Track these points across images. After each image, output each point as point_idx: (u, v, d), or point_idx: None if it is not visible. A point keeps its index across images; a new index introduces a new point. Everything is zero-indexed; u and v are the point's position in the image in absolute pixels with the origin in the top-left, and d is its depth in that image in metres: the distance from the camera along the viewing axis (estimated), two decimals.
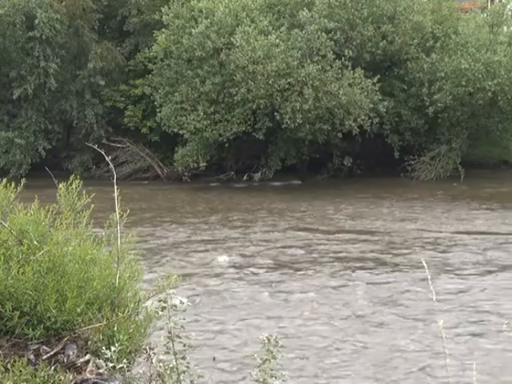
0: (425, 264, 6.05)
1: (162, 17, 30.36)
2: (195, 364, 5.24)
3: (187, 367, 5.06)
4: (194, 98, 29.65)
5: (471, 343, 10.47)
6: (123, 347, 5.45)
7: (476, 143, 31.35)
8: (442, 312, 11.61)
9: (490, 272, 14.71)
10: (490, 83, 28.15)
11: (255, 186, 29.26)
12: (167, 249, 17.25)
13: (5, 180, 6.38)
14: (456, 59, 28.80)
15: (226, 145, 29.67)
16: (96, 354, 5.59)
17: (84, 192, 6.34)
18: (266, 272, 14.97)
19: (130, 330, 5.72)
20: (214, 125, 29.24)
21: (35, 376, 5.23)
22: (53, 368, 5.44)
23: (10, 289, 5.54)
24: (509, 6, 32.67)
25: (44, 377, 5.24)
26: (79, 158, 32.23)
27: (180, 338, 5.05)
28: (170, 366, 5.04)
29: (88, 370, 5.54)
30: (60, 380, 5.29)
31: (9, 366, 5.24)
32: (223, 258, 16.13)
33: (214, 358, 9.72)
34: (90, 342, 5.64)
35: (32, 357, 5.55)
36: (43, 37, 30.72)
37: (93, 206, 6.38)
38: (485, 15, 32.55)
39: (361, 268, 15.20)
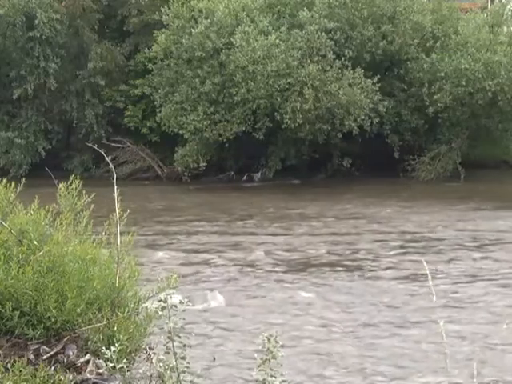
0: (425, 264, 6.05)
1: (161, 17, 30.36)
2: (195, 364, 5.24)
3: (187, 367, 5.06)
4: (194, 98, 29.65)
5: (472, 343, 10.46)
6: (123, 347, 5.45)
7: (476, 143, 31.33)
8: (442, 312, 11.61)
9: (489, 272, 14.70)
10: (490, 83, 28.15)
11: (255, 186, 29.25)
12: (167, 249, 17.24)
13: (5, 180, 6.38)
14: (456, 59, 28.80)
15: (226, 145, 29.67)
16: (96, 354, 5.59)
17: (84, 192, 6.34)
18: (265, 272, 14.95)
19: (130, 330, 5.72)
20: (213, 125, 29.23)
21: (35, 376, 5.23)
22: (53, 368, 5.44)
23: (10, 289, 5.54)
24: (509, 6, 32.66)
25: (44, 377, 5.24)
26: (79, 157, 32.22)
27: (180, 337, 5.05)
28: (170, 366, 5.04)
29: (88, 369, 5.54)
30: (60, 380, 5.29)
31: (9, 366, 5.24)
32: (223, 258, 16.13)
33: (214, 358, 9.71)
34: (89, 342, 5.64)
35: (32, 357, 5.55)
36: (43, 37, 30.72)
37: (93, 206, 6.39)
38: (485, 15, 32.54)
39: (360, 268, 15.20)
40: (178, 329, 5.04)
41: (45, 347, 5.63)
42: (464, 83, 28.44)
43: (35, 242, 5.80)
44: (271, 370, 4.83)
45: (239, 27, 28.52)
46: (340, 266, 15.44)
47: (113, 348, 5.27)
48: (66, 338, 5.67)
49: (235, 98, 28.48)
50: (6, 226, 5.85)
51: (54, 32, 30.98)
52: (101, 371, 5.53)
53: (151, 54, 31.09)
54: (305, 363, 9.78)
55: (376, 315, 11.90)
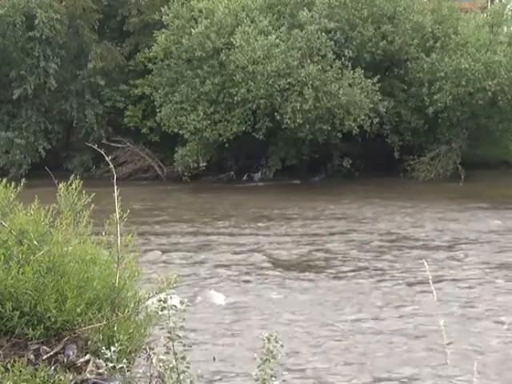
0: (426, 264, 6.05)
1: (161, 17, 30.36)
2: (195, 364, 5.24)
3: (187, 367, 5.06)
4: (194, 98, 29.65)
5: (472, 343, 10.46)
6: (123, 347, 5.45)
7: (476, 143, 31.34)
8: (442, 312, 11.61)
9: (489, 272, 14.70)
10: (490, 83, 28.15)
11: (255, 186, 29.25)
12: (166, 249, 17.24)
13: (5, 180, 6.38)
14: (456, 59, 28.80)
15: (226, 145, 29.67)
16: (96, 354, 5.59)
17: (84, 192, 6.34)
18: (264, 272, 14.95)
19: (130, 330, 5.72)
20: (214, 125, 29.23)
21: (35, 376, 5.23)
22: (53, 368, 5.45)
23: (10, 289, 5.54)
24: (509, 6, 32.67)
25: (44, 377, 5.24)
26: (79, 158, 32.22)
27: (180, 337, 5.05)
28: (170, 366, 5.04)
29: (88, 370, 5.54)
30: (60, 380, 5.29)
31: (9, 366, 5.24)
32: (218, 258, 16.15)
33: (214, 358, 9.71)
34: (89, 342, 5.64)
35: (32, 357, 5.55)
36: (43, 37, 30.72)
37: (93, 206, 6.39)
38: (485, 15, 32.55)
39: (359, 269, 15.20)
40: (178, 329, 5.04)
41: (45, 347, 5.64)
42: (464, 83, 28.44)
43: (35, 242, 5.80)
44: (271, 369, 4.83)
45: (239, 27, 28.52)
46: (339, 266, 15.44)
47: (113, 348, 5.27)
48: (66, 338, 5.67)
49: (235, 98, 28.48)
50: (6, 226, 5.85)
51: (54, 32, 30.98)
52: (101, 371, 5.53)
53: (151, 54, 31.10)
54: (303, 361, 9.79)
55: (376, 315, 11.90)
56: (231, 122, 29.09)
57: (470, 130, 30.22)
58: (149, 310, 5.81)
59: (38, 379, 5.21)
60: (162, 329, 5.16)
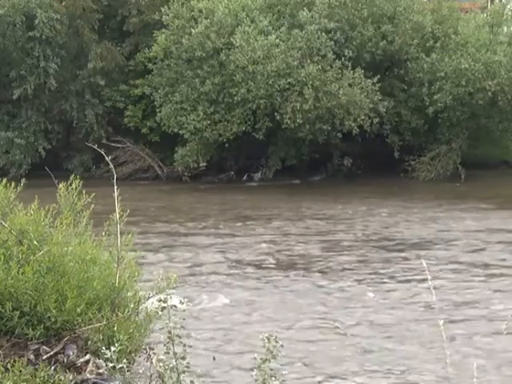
0: (425, 264, 6.05)
1: (161, 17, 30.36)
2: (195, 364, 5.24)
3: (187, 367, 5.06)
4: (194, 98, 29.65)
5: (471, 343, 10.46)
6: (123, 347, 5.45)
7: (476, 143, 31.34)
8: (441, 312, 11.61)
9: (488, 272, 14.70)
10: (490, 83, 28.16)
11: (255, 186, 29.25)
12: (166, 249, 17.23)
13: (5, 180, 6.39)
14: (456, 59, 28.80)
15: (226, 145, 29.67)
16: (96, 354, 5.60)
17: (84, 192, 6.34)
18: (264, 272, 14.95)
19: (130, 330, 5.73)
20: (214, 125, 29.24)
21: (35, 376, 5.23)
22: (53, 368, 5.45)
23: (10, 289, 5.55)
24: (509, 6, 32.68)
25: (44, 377, 5.24)
26: (79, 158, 32.22)
27: (180, 337, 5.05)
28: (170, 366, 5.04)
29: (88, 370, 5.55)
30: (60, 380, 5.29)
31: (9, 366, 5.24)
32: (220, 258, 16.15)
33: (214, 358, 9.71)
34: (89, 342, 5.64)
35: (32, 357, 5.56)
36: (43, 37, 30.72)
37: (93, 206, 6.39)
38: (485, 15, 32.56)
39: (358, 269, 15.19)
40: (178, 329, 5.04)
41: (45, 347, 5.64)
42: (464, 83, 28.44)
43: (35, 242, 5.80)
44: (271, 370, 4.83)
45: (239, 27, 28.52)
46: (339, 266, 15.42)
47: (113, 348, 5.27)
48: (66, 338, 5.68)
49: (235, 98, 28.48)
50: (6, 226, 5.85)
51: (54, 32, 30.97)
52: (101, 371, 5.53)
53: (151, 54, 31.10)
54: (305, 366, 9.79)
55: (376, 315, 11.90)
56: (231, 122, 29.10)
57: (469, 130, 30.22)
58: (149, 310, 5.82)
59: (38, 379, 5.21)
60: (162, 329, 5.16)
